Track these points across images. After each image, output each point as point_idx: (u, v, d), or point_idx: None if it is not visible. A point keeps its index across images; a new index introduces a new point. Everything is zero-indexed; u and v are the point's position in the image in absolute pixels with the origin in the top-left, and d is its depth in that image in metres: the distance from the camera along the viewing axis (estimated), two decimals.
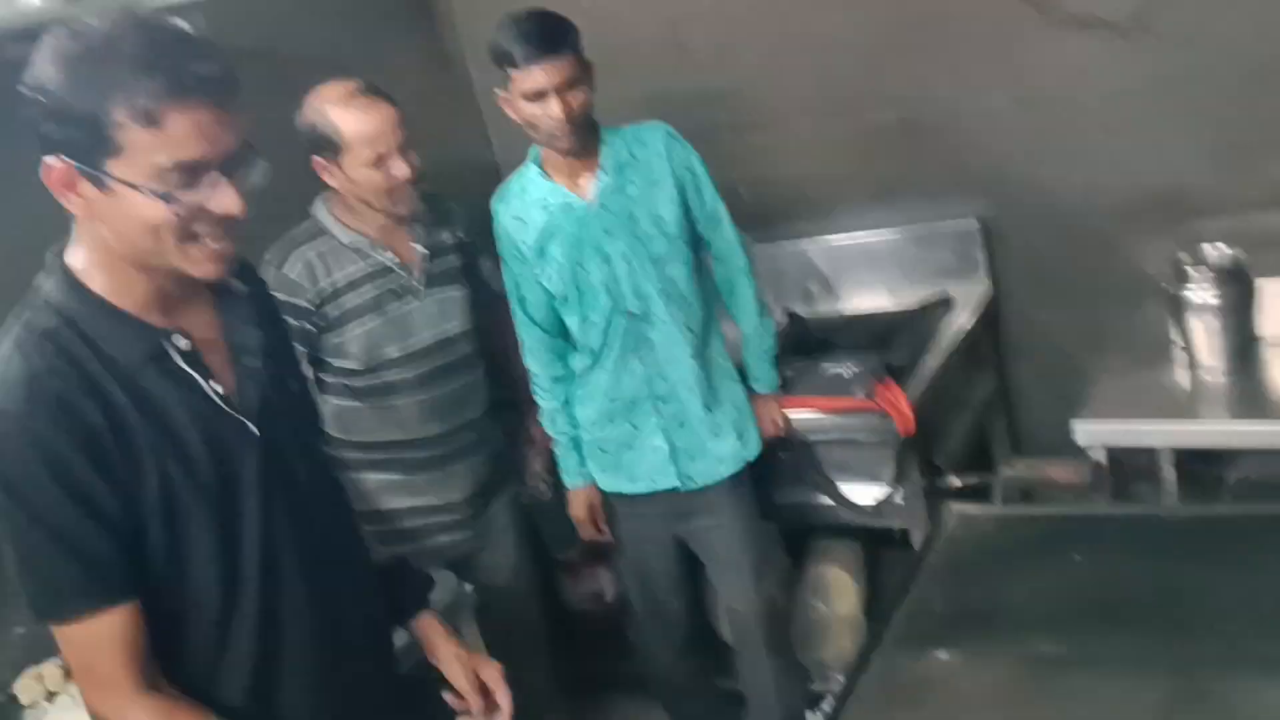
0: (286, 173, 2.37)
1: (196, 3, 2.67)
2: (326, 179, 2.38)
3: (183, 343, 1.37)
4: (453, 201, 2.65)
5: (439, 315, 2.50)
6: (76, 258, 1.36)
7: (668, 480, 2.51)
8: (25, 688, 2.16)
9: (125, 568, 1.33)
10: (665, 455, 2.50)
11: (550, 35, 2.23)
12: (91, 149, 1.24)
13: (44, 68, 1.24)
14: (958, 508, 2.00)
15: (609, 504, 2.63)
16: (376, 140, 2.31)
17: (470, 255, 2.64)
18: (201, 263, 1.32)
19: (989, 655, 1.59)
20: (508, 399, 2.89)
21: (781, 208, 3.21)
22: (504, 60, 2.25)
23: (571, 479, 2.62)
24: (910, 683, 1.59)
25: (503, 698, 1.70)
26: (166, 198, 1.25)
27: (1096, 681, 1.48)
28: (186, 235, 1.29)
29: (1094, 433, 2.25)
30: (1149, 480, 2.38)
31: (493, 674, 1.72)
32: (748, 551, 2.57)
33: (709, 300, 2.53)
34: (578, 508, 2.63)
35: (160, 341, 1.36)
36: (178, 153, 1.24)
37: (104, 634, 1.32)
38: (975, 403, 2.98)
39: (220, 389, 1.40)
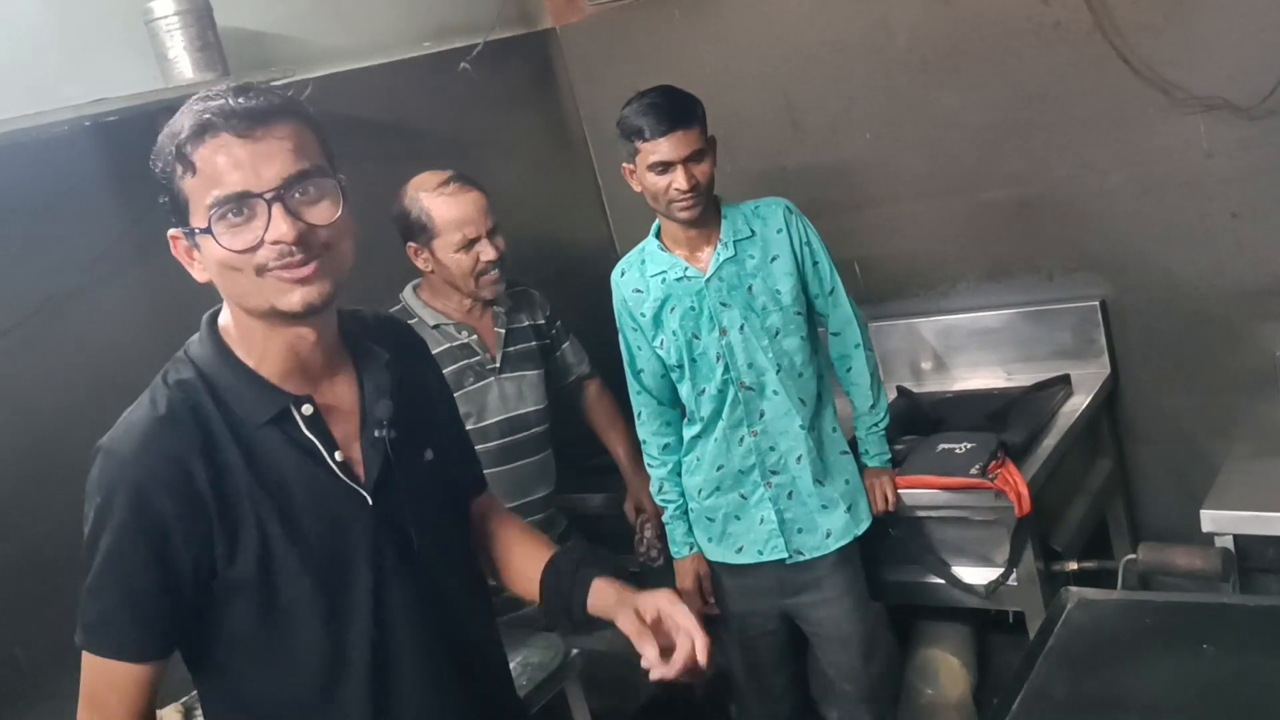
0: (386, 256, 2.52)
1: (334, 74, 2.83)
2: (419, 264, 2.56)
3: (307, 409, 1.40)
4: (535, 289, 2.80)
5: (514, 395, 2.64)
6: (224, 318, 1.42)
7: (775, 552, 2.50)
8: None
9: (170, 632, 1.37)
10: (773, 527, 2.49)
11: (678, 109, 2.31)
12: (177, 211, 1.33)
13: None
14: (1077, 591, 1.95)
15: (716, 575, 2.62)
16: (466, 225, 2.49)
17: (550, 338, 2.78)
18: (285, 295, 1.32)
19: None
20: (608, 465, 2.94)
21: (895, 285, 3.22)
22: (632, 133, 2.32)
23: (678, 548, 2.62)
24: None
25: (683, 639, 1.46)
26: (219, 235, 1.29)
27: None
28: (260, 270, 1.31)
29: (1222, 520, 2.18)
30: (1278, 573, 2.30)
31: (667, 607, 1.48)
32: (856, 629, 2.54)
33: (822, 373, 2.54)
34: (684, 577, 2.63)
35: (287, 405, 1.39)
36: (218, 187, 1.28)
37: (124, 680, 1.36)
38: (1093, 487, 2.91)
39: (340, 457, 1.42)
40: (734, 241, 2.41)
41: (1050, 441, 2.65)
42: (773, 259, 2.43)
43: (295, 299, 1.32)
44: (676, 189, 2.30)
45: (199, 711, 2.26)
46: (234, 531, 1.34)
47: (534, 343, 2.72)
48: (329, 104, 2.72)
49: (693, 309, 2.42)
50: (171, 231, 1.36)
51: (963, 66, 2.94)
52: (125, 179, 2.40)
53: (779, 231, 2.44)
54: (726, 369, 2.43)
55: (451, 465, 1.61)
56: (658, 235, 2.47)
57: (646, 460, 2.63)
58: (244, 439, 1.36)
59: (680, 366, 2.47)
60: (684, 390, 2.51)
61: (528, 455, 2.65)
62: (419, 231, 2.51)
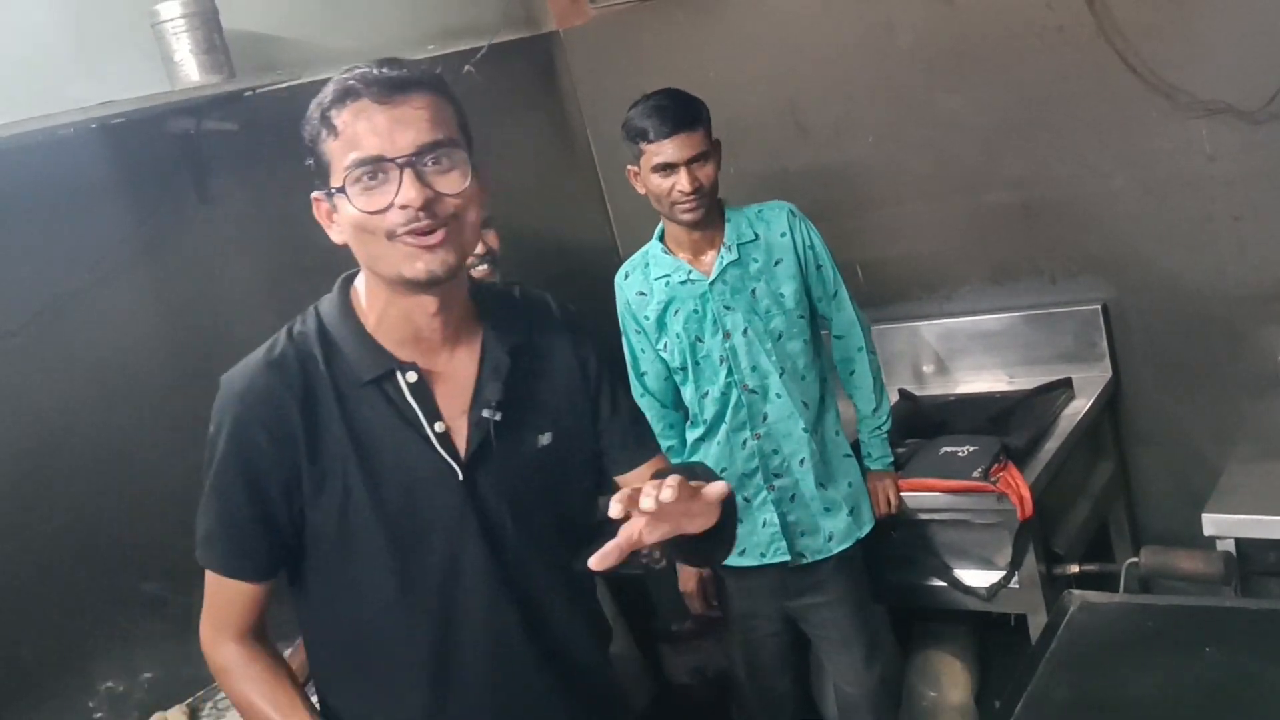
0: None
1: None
2: None
3: (411, 376, 1.43)
4: (537, 289, 2.78)
5: None
6: (357, 281, 1.49)
7: (778, 555, 2.50)
8: None
9: (270, 557, 1.46)
10: (776, 529, 2.49)
11: (682, 111, 2.32)
12: (319, 175, 1.38)
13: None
14: (1080, 594, 1.95)
15: (718, 577, 2.62)
16: None
17: None
18: (411, 262, 1.35)
19: None
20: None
21: (898, 288, 3.22)
22: (637, 135, 2.33)
23: None
24: None
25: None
26: (353, 196, 1.34)
27: None
28: (390, 234, 1.34)
29: (1224, 524, 2.19)
30: (1279, 576, 2.31)
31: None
32: (859, 631, 2.54)
33: (825, 376, 2.54)
34: (687, 581, 2.64)
35: (391, 370, 1.43)
36: (355, 149, 1.33)
37: (230, 593, 1.47)
38: (1095, 490, 2.92)
39: (440, 428, 1.44)
40: (738, 245, 2.42)
41: (1052, 444, 2.66)
42: (776, 262, 2.43)
43: (420, 266, 1.35)
44: (680, 190, 2.31)
45: (204, 712, 2.27)
46: (321, 477, 1.41)
47: None
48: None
49: (696, 312, 2.43)
50: (315, 194, 1.40)
51: (966, 69, 2.95)
52: (131, 180, 2.41)
53: (782, 235, 2.45)
54: (730, 372, 2.44)
55: (575, 450, 1.56)
56: (661, 238, 2.48)
57: None
58: (344, 393, 1.42)
59: (684, 369, 2.48)
60: (687, 393, 2.51)
61: None
62: None
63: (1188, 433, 2.88)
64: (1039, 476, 2.53)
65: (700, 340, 2.44)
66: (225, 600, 1.48)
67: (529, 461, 1.51)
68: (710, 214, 2.40)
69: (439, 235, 1.35)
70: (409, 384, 1.44)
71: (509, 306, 1.55)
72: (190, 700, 2.27)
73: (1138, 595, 1.97)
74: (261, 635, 1.51)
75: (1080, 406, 2.82)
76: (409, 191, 1.32)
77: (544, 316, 1.58)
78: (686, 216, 2.35)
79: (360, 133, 1.33)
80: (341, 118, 1.33)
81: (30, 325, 2.23)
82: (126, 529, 2.31)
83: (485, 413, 1.46)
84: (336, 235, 1.41)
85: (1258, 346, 2.69)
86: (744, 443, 2.48)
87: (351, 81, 1.34)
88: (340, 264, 1.50)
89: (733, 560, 2.55)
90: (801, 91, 3.20)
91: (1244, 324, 2.76)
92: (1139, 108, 2.74)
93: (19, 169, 2.18)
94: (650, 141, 2.31)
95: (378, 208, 1.33)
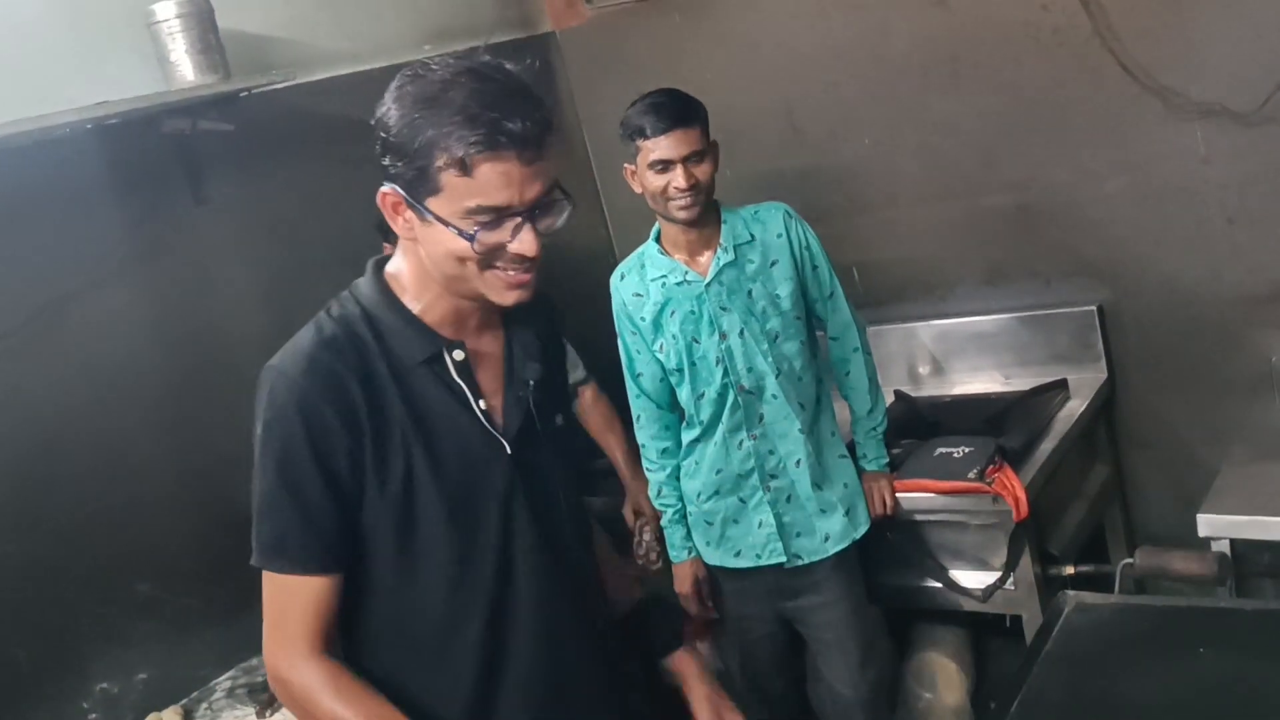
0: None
1: (335, 77, 2.84)
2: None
3: (459, 355, 1.48)
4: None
5: None
6: (392, 263, 1.50)
7: (774, 556, 2.51)
8: None
9: (344, 543, 1.43)
10: (772, 531, 2.49)
11: (679, 109, 2.33)
12: (417, 184, 1.36)
13: (388, 106, 1.37)
14: (1075, 595, 1.96)
15: (714, 579, 2.63)
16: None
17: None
18: (501, 291, 1.42)
19: None
20: (606, 469, 2.96)
21: (893, 289, 3.22)
22: (634, 132, 2.34)
23: (677, 552, 2.63)
24: None
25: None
26: (471, 237, 1.35)
27: None
28: (488, 266, 1.39)
29: (1219, 524, 2.19)
30: (1273, 577, 2.31)
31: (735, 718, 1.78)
32: (854, 633, 2.54)
33: (821, 378, 2.54)
34: (683, 581, 2.63)
35: (441, 349, 1.47)
36: (485, 199, 1.34)
37: (306, 595, 1.42)
38: (1090, 491, 2.92)
39: (485, 405, 1.49)
40: (734, 246, 2.42)
41: (1048, 446, 2.66)
42: (772, 263, 2.43)
43: (510, 298, 1.42)
44: (675, 187, 2.31)
45: (199, 712, 2.27)
46: (384, 455, 1.42)
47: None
48: (330, 107, 2.73)
49: (693, 313, 2.43)
50: (393, 191, 1.38)
51: (961, 72, 2.95)
52: (127, 181, 2.41)
53: (779, 236, 2.45)
54: (726, 373, 2.44)
55: (577, 435, 1.68)
56: (657, 239, 2.48)
57: (645, 464, 2.63)
58: (398, 373, 1.44)
59: (680, 370, 2.48)
60: (683, 394, 2.51)
61: None
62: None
63: (1183, 434, 2.89)
64: (1034, 478, 2.53)
65: (696, 341, 2.44)
66: (301, 607, 1.42)
67: (555, 440, 1.60)
68: (706, 214, 2.40)
69: (532, 274, 1.42)
70: (456, 362, 1.47)
71: None
72: (185, 701, 2.27)
73: (1133, 596, 1.97)
74: (334, 647, 1.46)
75: (1076, 408, 2.83)
76: (529, 243, 1.37)
77: (545, 303, 1.62)
78: (682, 214, 2.35)
79: (496, 185, 1.34)
80: (480, 168, 1.33)
81: (26, 327, 2.23)
82: (121, 530, 2.31)
83: (519, 386, 1.53)
84: (404, 232, 1.43)
85: (1252, 348, 2.70)
86: (740, 443, 2.48)
87: (503, 137, 1.32)
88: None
89: (729, 561, 2.56)
90: (797, 94, 3.20)
91: (1238, 326, 2.76)
92: (1134, 110, 2.75)
93: (14, 170, 2.18)
94: (647, 138, 2.32)
95: (490, 247, 1.37)
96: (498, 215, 1.36)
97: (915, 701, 2.85)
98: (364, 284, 1.50)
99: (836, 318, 2.53)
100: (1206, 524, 2.20)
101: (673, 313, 2.44)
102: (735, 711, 1.80)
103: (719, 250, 2.42)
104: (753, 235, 2.44)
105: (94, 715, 2.23)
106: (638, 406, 2.59)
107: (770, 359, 2.43)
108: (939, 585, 2.64)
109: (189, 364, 2.44)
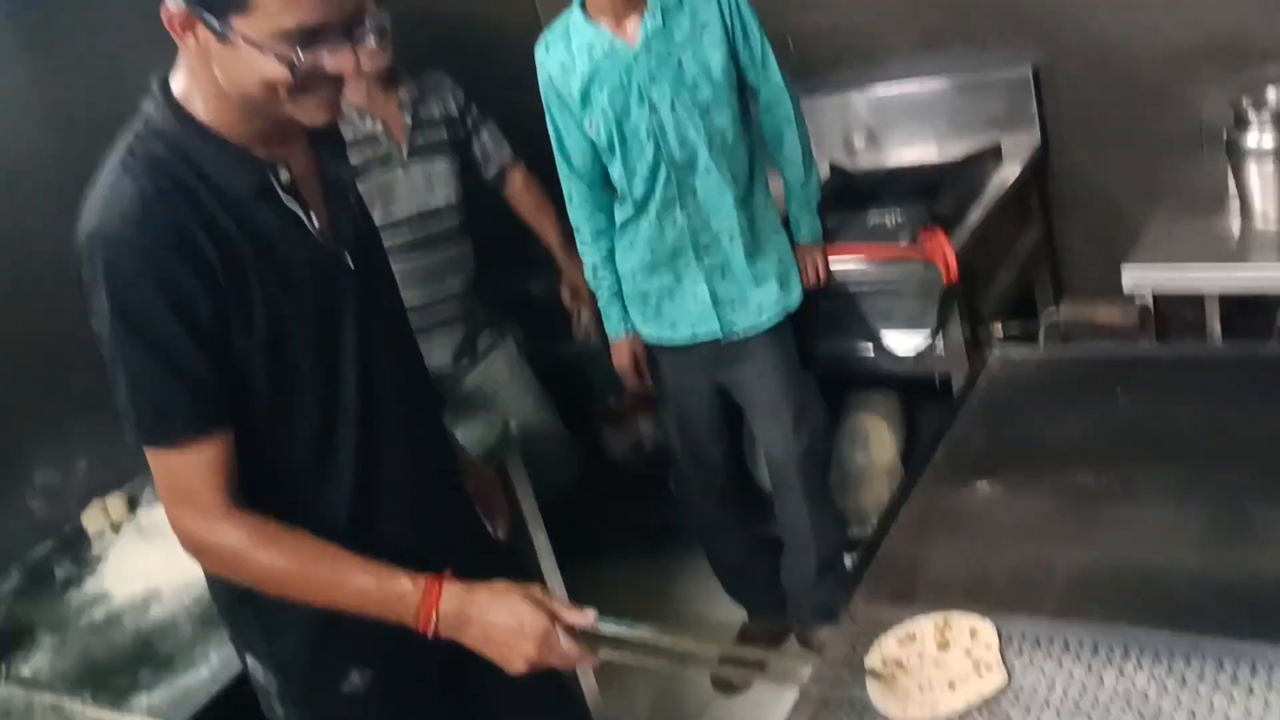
0: None
1: None
2: None
3: (284, 175, 1.39)
4: (448, 75, 2.71)
5: (424, 186, 2.60)
6: (179, 85, 1.36)
7: (710, 329, 2.53)
8: (91, 519, 2.25)
9: (228, 397, 1.35)
10: (707, 304, 2.51)
11: None
12: (223, 3, 1.24)
13: None
14: (1001, 350, 2.01)
15: (652, 354, 2.65)
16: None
17: (463, 128, 2.72)
18: (313, 113, 1.33)
19: (1030, 487, 1.61)
20: (541, 253, 2.94)
21: (828, 58, 3.16)
22: None
23: (614, 330, 2.64)
24: (951, 512, 1.61)
25: (500, 502, 1.86)
26: (286, 59, 1.26)
27: (1140, 509, 1.50)
28: (302, 90, 1.29)
29: (1142, 278, 2.23)
30: (1195, 331, 2.37)
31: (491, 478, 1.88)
32: (788, 400, 2.60)
33: (754, 149, 2.51)
34: (620, 358, 2.66)
35: (266, 174, 1.37)
36: (302, 17, 1.24)
37: (201, 459, 1.34)
38: (1021, 254, 2.96)
39: (317, 223, 1.42)
40: (661, 10, 2.33)
41: (979, 211, 2.67)
42: (702, 28, 2.35)
43: (321, 119, 1.35)
44: None
45: (143, 497, 2.29)
46: (245, 301, 1.34)
47: (445, 134, 2.66)
48: None
49: (621, 85, 2.36)
50: (183, 10, 1.26)
51: None
52: None
53: (708, 1, 2.36)
54: (658, 147, 2.39)
55: (380, 237, 1.64)
56: (582, 5, 2.38)
57: (579, 245, 2.61)
58: (234, 210, 1.34)
59: (610, 146, 2.42)
60: (615, 171, 2.47)
61: (441, 248, 2.64)
62: None
63: (1113, 195, 2.91)
64: (965, 241, 2.55)
65: (626, 115, 2.38)
66: (203, 472, 1.35)
67: (376, 245, 1.57)
68: None
69: (343, 94, 1.35)
70: (283, 184, 1.39)
71: None
72: (127, 486, 2.29)
73: (1058, 347, 2.02)
74: (240, 495, 1.38)
75: (1009, 173, 2.83)
76: (350, 63, 1.29)
77: None
78: None
79: (313, 1, 1.24)
80: None
81: None
82: (46, 324, 2.26)
83: (340, 196, 1.47)
84: (194, 52, 1.29)
85: (1183, 105, 2.69)
86: (674, 219, 2.46)
87: None
88: None
89: (665, 336, 2.58)
90: None
91: (1171, 83, 2.75)
92: None
93: None
94: None
95: (311, 70, 1.27)
96: (314, 34, 1.25)
97: (848, 463, 2.94)
98: (158, 115, 1.35)
99: (769, 86, 2.47)
100: (1130, 278, 2.23)
101: (601, 86, 2.37)
102: (486, 470, 1.88)
103: (646, 15, 2.33)
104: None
105: (36, 503, 2.25)
106: (569, 186, 2.54)
107: (702, 131, 2.38)
108: (871, 350, 2.69)
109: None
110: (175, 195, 1.30)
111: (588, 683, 2.51)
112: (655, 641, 1.40)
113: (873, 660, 1.32)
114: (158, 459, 1.36)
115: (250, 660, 1.57)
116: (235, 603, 1.53)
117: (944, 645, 1.32)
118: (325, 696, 1.55)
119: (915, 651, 1.32)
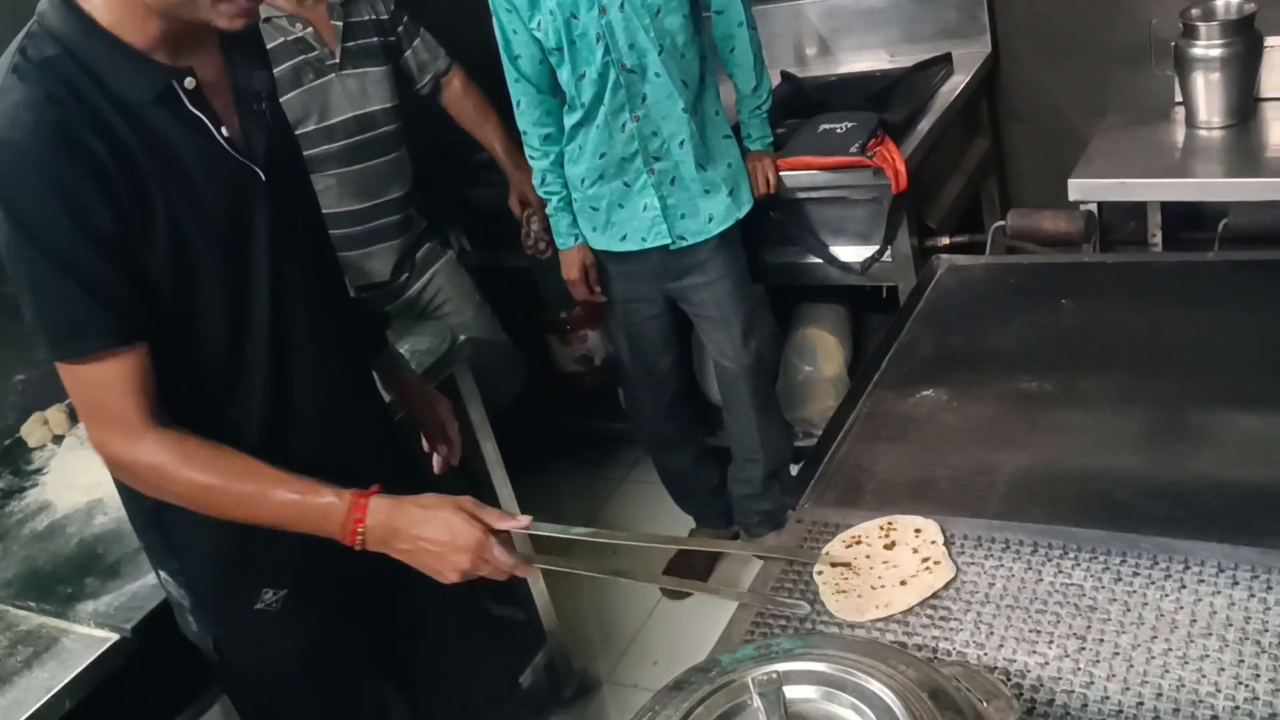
0: None
1: None
2: None
3: (190, 83, 1.32)
4: None
5: (359, 92, 2.54)
6: None
7: (659, 238, 2.51)
8: (31, 431, 2.21)
9: (140, 308, 1.30)
10: (657, 213, 2.49)
11: None
12: None
13: None
14: (947, 258, 2.02)
15: (601, 263, 2.63)
16: None
17: (395, 34, 2.65)
18: (232, 18, 1.28)
19: (976, 392, 1.63)
20: (487, 161, 2.89)
21: None
22: None
23: (563, 239, 2.61)
24: (897, 419, 1.63)
25: (452, 430, 1.84)
26: None
27: (1081, 414, 1.53)
28: None
29: (1087, 188, 2.25)
30: (1138, 241, 2.40)
31: (446, 409, 1.85)
32: (736, 309, 2.60)
33: (705, 56, 2.47)
34: (570, 268, 2.64)
35: (169, 81, 1.30)
36: None
37: (118, 374, 1.30)
38: (970, 165, 2.97)
39: (226, 133, 1.36)
40: None
41: (929, 120, 2.67)
42: None
43: (239, 24, 1.29)
44: None
45: None
46: (145, 211, 1.27)
47: (376, 39, 2.59)
48: None
49: None
50: None
51: None
52: None
53: None
54: (607, 50, 2.34)
55: (298, 146, 1.61)
56: None
57: (527, 152, 2.57)
58: (132, 117, 1.27)
59: (559, 50, 2.37)
60: (563, 75, 2.42)
61: (378, 155, 2.59)
62: None
63: (1062, 105, 2.92)
64: (915, 151, 2.54)
65: (575, 17, 2.32)
66: (121, 388, 1.30)
67: (291, 154, 1.53)
68: None
69: None
70: (188, 92, 1.32)
71: None
72: (67, 399, 2.24)
73: (1003, 255, 2.04)
74: (161, 411, 1.34)
75: (959, 82, 2.82)
76: None
77: None
78: None
79: None
80: None
81: None
82: None
83: (252, 104, 1.41)
84: None
85: (1133, 12, 2.69)
86: (623, 125, 2.42)
87: None
88: None
89: (614, 245, 2.56)
90: None
91: None
92: None
93: None
94: None
95: None
96: None
97: (795, 374, 2.97)
98: (54, 15, 1.27)
99: None
100: (1076, 188, 2.25)
101: None
102: (443, 400, 1.86)
103: None
104: None
105: None
106: (517, 91, 2.49)
107: (652, 34, 2.34)
108: (820, 261, 2.69)
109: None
110: (66, 98, 1.23)
111: (538, 588, 2.53)
112: (592, 540, 1.41)
113: (821, 566, 1.34)
114: (71, 375, 1.32)
115: (163, 575, 1.57)
116: (145, 524, 1.52)
117: (890, 546, 1.34)
118: (237, 614, 1.55)
119: (863, 553, 1.34)
